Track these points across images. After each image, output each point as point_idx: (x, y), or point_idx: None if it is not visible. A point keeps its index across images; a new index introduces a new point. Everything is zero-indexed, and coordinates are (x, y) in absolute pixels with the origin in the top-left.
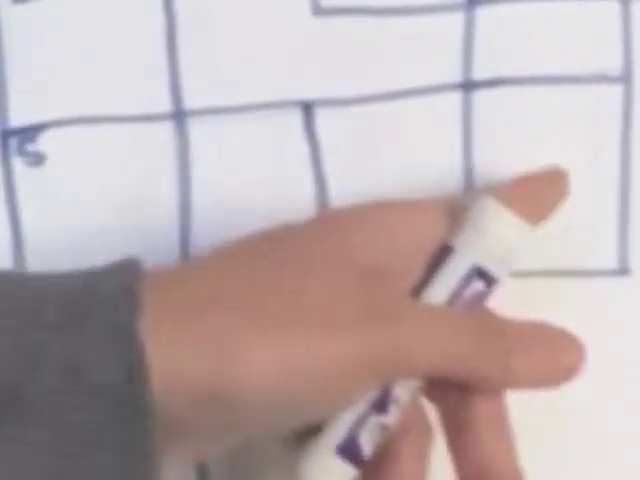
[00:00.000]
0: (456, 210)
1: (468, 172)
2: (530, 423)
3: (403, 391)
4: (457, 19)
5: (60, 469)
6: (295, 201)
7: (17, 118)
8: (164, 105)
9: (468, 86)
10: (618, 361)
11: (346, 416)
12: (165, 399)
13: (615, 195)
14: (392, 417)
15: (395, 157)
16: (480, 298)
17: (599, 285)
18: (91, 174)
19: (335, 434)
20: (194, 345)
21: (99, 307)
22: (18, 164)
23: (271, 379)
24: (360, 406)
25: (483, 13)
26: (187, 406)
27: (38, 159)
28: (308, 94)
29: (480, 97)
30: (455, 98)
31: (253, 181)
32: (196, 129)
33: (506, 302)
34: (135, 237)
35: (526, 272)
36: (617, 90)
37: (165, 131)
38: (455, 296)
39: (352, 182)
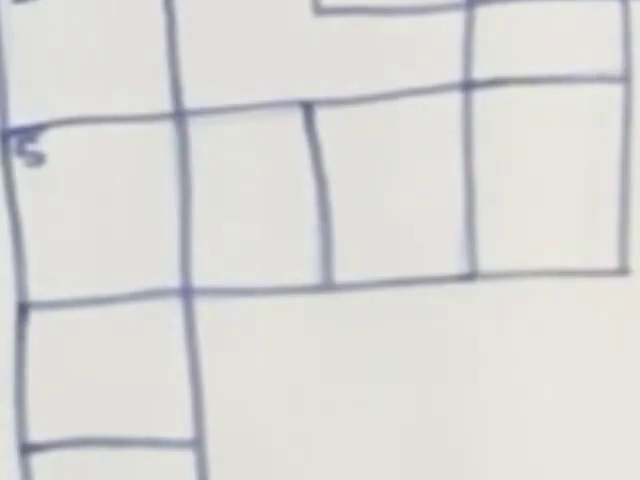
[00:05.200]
0: None
1: (468, 172)
2: (530, 423)
3: None
4: (457, 19)
5: None
6: (295, 201)
7: (17, 118)
8: (164, 105)
9: (468, 86)
10: (618, 361)
11: None
12: None
13: (615, 195)
14: None
15: (395, 157)
16: None
17: (599, 285)
18: (91, 174)
19: None
20: None
21: None
22: (18, 164)
23: None
24: None
25: (483, 13)
26: None
27: (38, 159)
28: (308, 94)
29: (480, 97)
30: (455, 98)
31: (253, 181)
32: (196, 129)
33: (507, 303)
34: (135, 236)
35: (526, 272)
36: (617, 90)
37: (165, 131)
38: None
39: (352, 182)
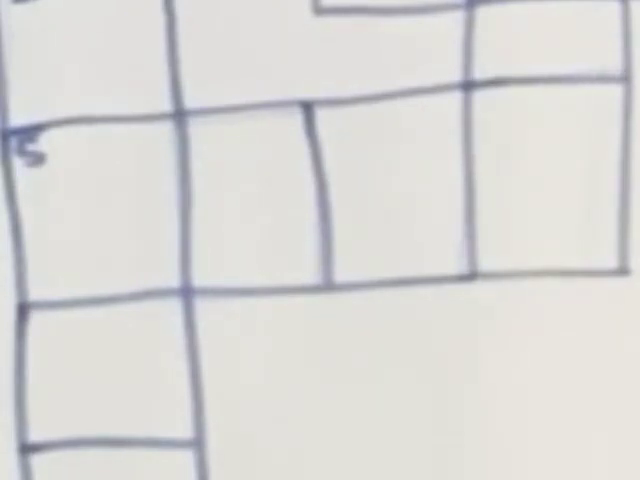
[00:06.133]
0: None
1: (468, 172)
2: (530, 424)
3: None
4: (457, 19)
5: None
6: (295, 201)
7: (17, 118)
8: (164, 105)
9: (468, 86)
10: (618, 361)
11: None
12: None
13: (615, 195)
14: None
15: (395, 157)
16: None
17: (599, 285)
18: (91, 174)
19: None
20: None
21: None
22: (18, 164)
23: None
24: None
25: (483, 13)
26: None
27: (38, 159)
28: (308, 94)
29: (480, 97)
30: (455, 98)
31: (253, 181)
32: (196, 129)
33: (507, 303)
34: (135, 236)
35: (525, 272)
36: (617, 90)
37: (165, 131)
38: None
39: (352, 182)
